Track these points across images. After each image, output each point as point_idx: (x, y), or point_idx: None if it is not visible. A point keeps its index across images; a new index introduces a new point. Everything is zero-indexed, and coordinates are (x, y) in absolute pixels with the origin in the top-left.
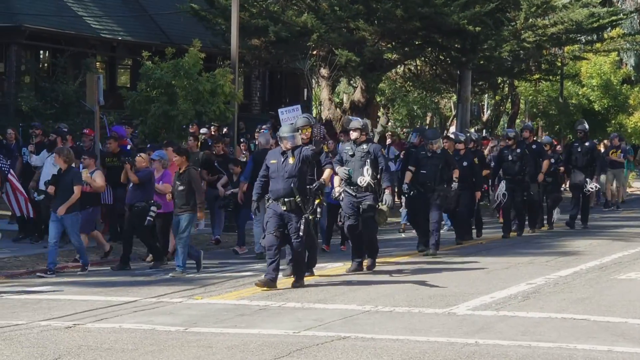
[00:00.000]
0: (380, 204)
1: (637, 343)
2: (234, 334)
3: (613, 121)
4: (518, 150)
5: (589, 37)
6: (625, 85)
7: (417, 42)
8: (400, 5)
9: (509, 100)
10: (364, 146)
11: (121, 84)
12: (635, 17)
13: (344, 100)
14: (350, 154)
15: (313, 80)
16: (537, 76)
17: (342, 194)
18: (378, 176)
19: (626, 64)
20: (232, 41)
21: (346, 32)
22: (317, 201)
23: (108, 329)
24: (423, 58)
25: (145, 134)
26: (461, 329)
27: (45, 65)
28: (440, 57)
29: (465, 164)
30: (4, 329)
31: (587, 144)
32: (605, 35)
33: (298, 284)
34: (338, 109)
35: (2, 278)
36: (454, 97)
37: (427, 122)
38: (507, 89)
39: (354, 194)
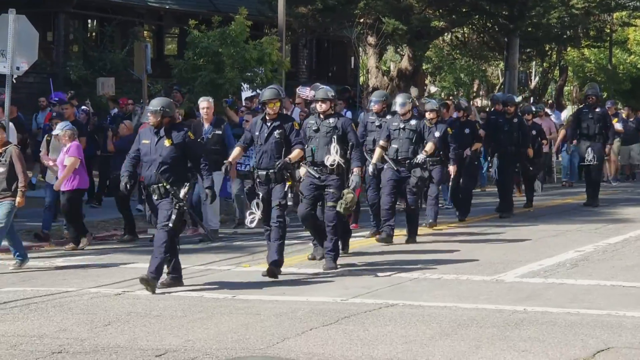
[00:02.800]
0: (345, 191)
1: None
2: (282, 302)
3: None
4: (515, 120)
5: (637, 3)
6: None
7: (464, 9)
8: None
9: (557, 67)
10: (331, 120)
11: (168, 52)
12: None
13: (391, 69)
14: (314, 129)
15: (360, 49)
16: (585, 43)
17: (305, 175)
18: (348, 155)
19: None
20: (279, 9)
21: (396, 0)
22: (288, 183)
23: (157, 296)
24: (470, 25)
25: (192, 102)
26: (509, 296)
27: (93, 34)
28: (488, 24)
29: (437, 134)
30: (55, 295)
31: (598, 110)
32: None
33: (146, 282)
34: (385, 77)
35: (52, 246)
36: (502, 65)
37: (475, 89)
38: (555, 56)
39: (317, 175)
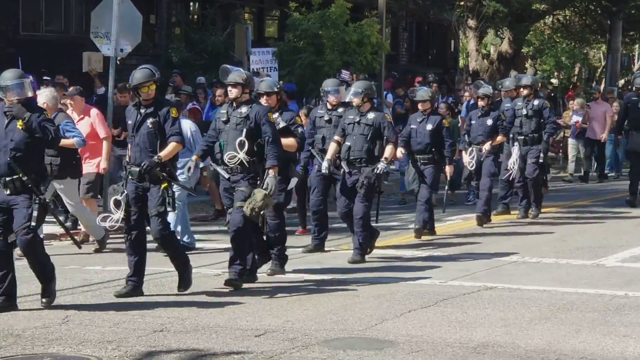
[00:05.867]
0: (256, 190)
1: None
2: (381, 284)
3: None
4: (536, 102)
5: None
6: None
7: None
8: None
9: None
10: (243, 109)
11: (269, 35)
12: None
13: (491, 52)
14: (223, 119)
15: (460, 32)
16: None
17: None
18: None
19: None
20: None
21: None
22: (162, 186)
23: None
24: (572, 8)
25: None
26: (610, 280)
27: (195, 17)
28: (590, 6)
29: (429, 127)
30: (155, 275)
31: None
32: None
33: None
34: (485, 60)
35: None
36: (604, 48)
37: (576, 72)
38: None
39: (226, 176)
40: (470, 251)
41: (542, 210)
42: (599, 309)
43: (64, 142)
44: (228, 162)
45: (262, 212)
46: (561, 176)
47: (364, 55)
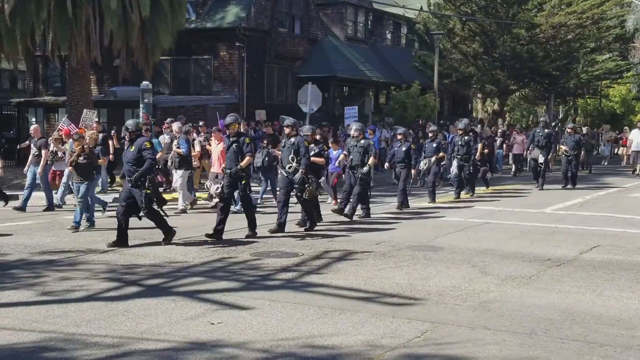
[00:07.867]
0: (306, 186)
1: None
2: (426, 221)
3: None
4: (465, 137)
5: None
6: None
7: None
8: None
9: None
10: (292, 140)
11: (381, 102)
12: None
13: (489, 109)
14: (282, 145)
15: (474, 99)
16: None
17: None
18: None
19: None
20: (435, 80)
21: (491, 75)
22: (243, 182)
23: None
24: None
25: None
26: None
27: (346, 92)
28: (538, 86)
29: (404, 148)
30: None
31: None
32: None
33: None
34: (486, 113)
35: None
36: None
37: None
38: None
39: (286, 174)
40: (473, 206)
41: None
42: None
43: (176, 150)
44: (288, 169)
45: (315, 195)
46: None
47: (426, 111)
